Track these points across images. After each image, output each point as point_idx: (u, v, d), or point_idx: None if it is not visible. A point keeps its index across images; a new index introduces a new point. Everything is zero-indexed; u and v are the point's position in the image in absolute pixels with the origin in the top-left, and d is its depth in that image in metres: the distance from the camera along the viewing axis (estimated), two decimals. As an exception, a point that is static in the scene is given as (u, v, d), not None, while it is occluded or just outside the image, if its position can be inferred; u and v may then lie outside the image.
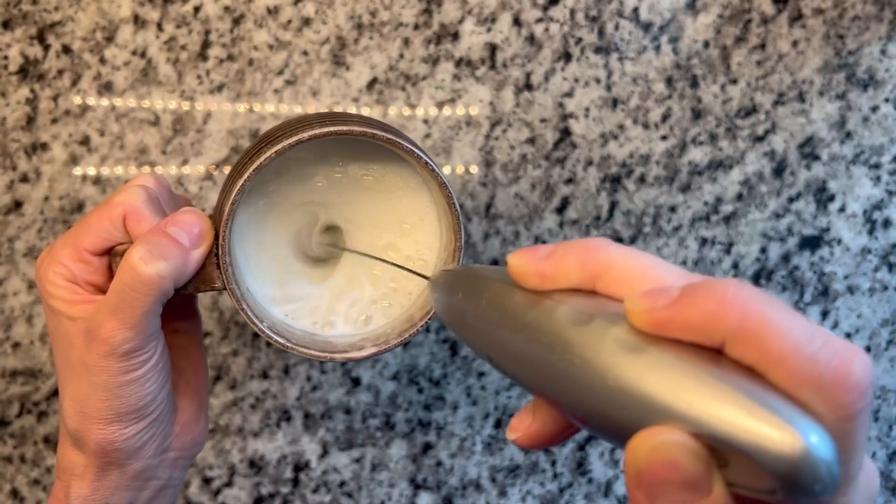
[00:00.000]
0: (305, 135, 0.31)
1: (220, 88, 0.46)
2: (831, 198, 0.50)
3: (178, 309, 0.36)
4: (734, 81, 0.49)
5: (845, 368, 0.19)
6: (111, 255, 0.33)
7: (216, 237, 0.33)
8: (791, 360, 0.19)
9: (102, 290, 0.33)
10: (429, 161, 0.33)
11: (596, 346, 0.21)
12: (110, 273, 0.33)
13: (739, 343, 0.20)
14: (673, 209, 0.50)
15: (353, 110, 0.47)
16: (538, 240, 0.49)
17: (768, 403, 0.18)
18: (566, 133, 0.48)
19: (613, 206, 0.49)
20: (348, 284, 0.37)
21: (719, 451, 0.19)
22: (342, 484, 0.51)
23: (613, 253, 0.23)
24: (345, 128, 0.32)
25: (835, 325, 0.52)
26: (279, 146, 0.31)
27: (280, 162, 0.34)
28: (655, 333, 0.21)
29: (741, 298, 0.20)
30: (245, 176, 0.31)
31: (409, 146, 0.32)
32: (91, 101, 0.46)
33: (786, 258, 0.51)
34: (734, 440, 0.18)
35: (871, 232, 0.51)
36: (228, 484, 0.50)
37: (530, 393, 0.24)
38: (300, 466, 0.50)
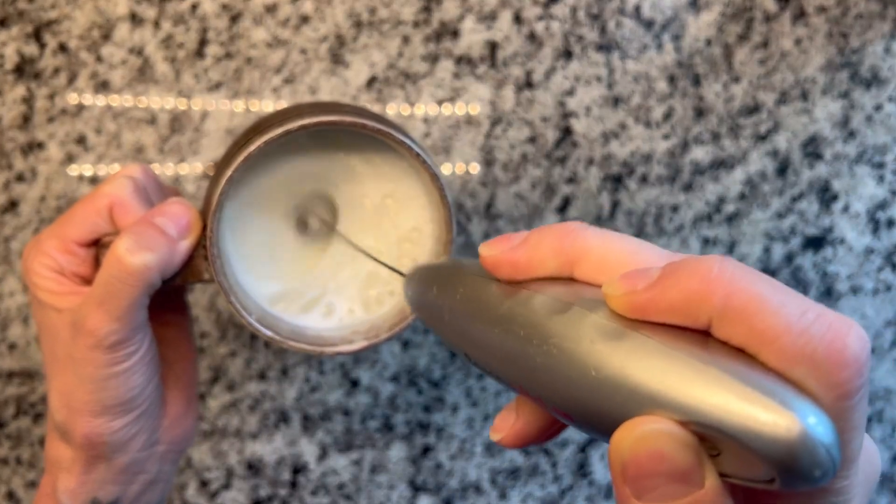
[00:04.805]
0: (294, 125, 0.31)
1: (217, 87, 0.46)
2: (834, 197, 0.50)
3: (167, 301, 0.36)
4: (737, 80, 0.48)
5: (840, 343, 0.18)
6: (98, 247, 0.32)
7: (204, 228, 0.32)
8: (782, 337, 0.18)
9: (89, 282, 0.32)
10: (420, 152, 0.32)
11: (574, 334, 0.20)
12: (97, 264, 0.32)
13: (726, 322, 0.19)
14: (675, 209, 0.49)
15: (352, 109, 0.47)
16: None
17: (761, 385, 0.17)
18: (567, 132, 0.48)
19: (615, 205, 0.49)
20: (342, 276, 0.36)
21: (710, 439, 0.18)
22: (341, 486, 0.51)
23: (591, 237, 0.22)
24: (334, 118, 0.31)
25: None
26: (268, 136, 0.31)
27: (272, 151, 0.34)
28: (636, 317, 0.20)
29: (726, 275, 0.19)
30: (233, 166, 0.31)
31: (401, 137, 0.32)
32: (87, 99, 0.45)
33: (789, 258, 0.51)
34: (725, 426, 0.17)
35: (874, 232, 0.51)
36: (226, 486, 0.50)
37: (511, 390, 0.24)
38: (299, 468, 0.50)
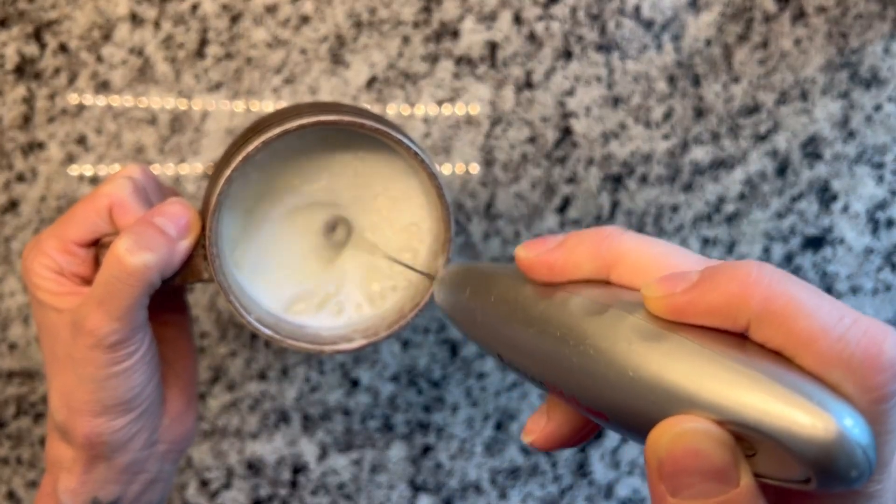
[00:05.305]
0: (293, 125, 0.31)
1: (217, 87, 0.46)
2: (834, 197, 0.50)
3: (167, 301, 0.36)
4: (736, 80, 0.48)
5: (876, 348, 0.18)
6: (98, 247, 0.33)
7: (203, 228, 0.32)
8: (819, 341, 0.18)
9: (89, 282, 0.32)
10: (419, 152, 0.32)
11: (612, 335, 0.20)
12: (97, 265, 0.33)
13: (764, 326, 0.19)
14: (675, 209, 0.49)
15: (352, 109, 0.47)
16: (539, 240, 0.49)
17: (798, 387, 0.18)
18: (567, 132, 0.48)
19: (615, 205, 0.49)
20: (348, 272, 0.36)
21: (747, 439, 0.18)
22: (341, 486, 0.51)
23: (627, 241, 0.23)
24: (333, 118, 0.31)
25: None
26: (266, 136, 0.31)
27: (271, 151, 0.34)
28: (675, 320, 0.20)
29: (765, 279, 0.19)
30: (232, 166, 0.31)
31: (399, 136, 0.32)
32: (88, 99, 0.45)
33: (788, 258, 0.51)
34: (763, 427, 0.17)
35: (874, 232, 0.51)
36: (226, 486, 0.50)
37: (544, 390, 0.24)
38: (299, 468, 0.50)
